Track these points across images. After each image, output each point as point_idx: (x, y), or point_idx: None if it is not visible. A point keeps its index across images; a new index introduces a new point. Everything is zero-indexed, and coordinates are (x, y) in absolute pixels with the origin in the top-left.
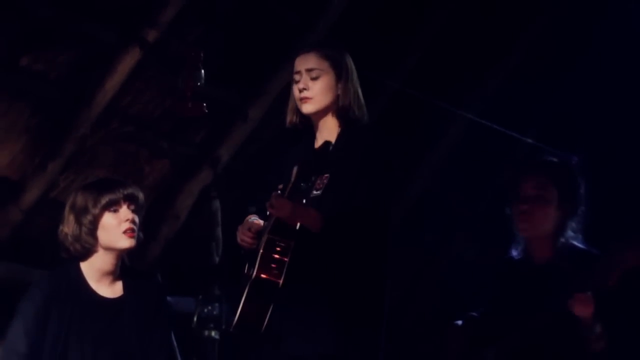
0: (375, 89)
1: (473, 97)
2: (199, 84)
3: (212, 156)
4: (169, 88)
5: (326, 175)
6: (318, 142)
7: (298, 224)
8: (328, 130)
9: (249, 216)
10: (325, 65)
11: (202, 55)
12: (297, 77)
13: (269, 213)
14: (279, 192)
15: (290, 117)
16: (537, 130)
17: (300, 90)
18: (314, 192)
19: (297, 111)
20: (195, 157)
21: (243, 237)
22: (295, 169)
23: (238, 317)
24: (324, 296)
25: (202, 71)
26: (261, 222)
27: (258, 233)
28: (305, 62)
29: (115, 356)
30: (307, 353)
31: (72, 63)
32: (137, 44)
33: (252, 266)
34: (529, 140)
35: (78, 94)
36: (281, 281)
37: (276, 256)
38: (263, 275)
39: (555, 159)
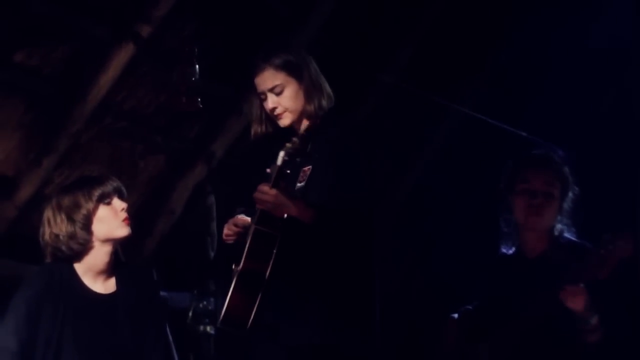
0: (369, 83)
1: (467, 91)
2: (193, 79)
3: (206, 151)
4: (163, 83)
5: (308, 167)
6: None
7: (285, 214)
8: (306, 127)
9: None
10: (282, 76)
11: (195, 50)
12: (262, 96)
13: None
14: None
15: (262, 127)
16: (531, 123)
17: (272, 110)
18: (298, 184)
19: (267, 120)
20: (190, 152)
21: (227, 231)
22: (280, 155)
23: (225, 311)
24: (314, 287)
25: (197, 66)
26: (248, 218)
27: (245, 228)
28: (265, 82)
29: (110, 352)
30: (302, 343)
31: (66, 59)
32: (131, 39)
33: (239, 259)
34: (523, 134)
35: (72, 89)
36: (268, 272)
37: (263, 247)
38: (250, 266)
39: (554, 155)
